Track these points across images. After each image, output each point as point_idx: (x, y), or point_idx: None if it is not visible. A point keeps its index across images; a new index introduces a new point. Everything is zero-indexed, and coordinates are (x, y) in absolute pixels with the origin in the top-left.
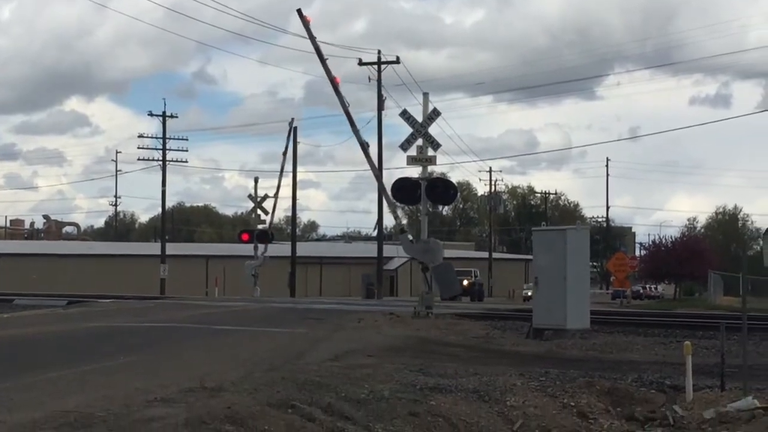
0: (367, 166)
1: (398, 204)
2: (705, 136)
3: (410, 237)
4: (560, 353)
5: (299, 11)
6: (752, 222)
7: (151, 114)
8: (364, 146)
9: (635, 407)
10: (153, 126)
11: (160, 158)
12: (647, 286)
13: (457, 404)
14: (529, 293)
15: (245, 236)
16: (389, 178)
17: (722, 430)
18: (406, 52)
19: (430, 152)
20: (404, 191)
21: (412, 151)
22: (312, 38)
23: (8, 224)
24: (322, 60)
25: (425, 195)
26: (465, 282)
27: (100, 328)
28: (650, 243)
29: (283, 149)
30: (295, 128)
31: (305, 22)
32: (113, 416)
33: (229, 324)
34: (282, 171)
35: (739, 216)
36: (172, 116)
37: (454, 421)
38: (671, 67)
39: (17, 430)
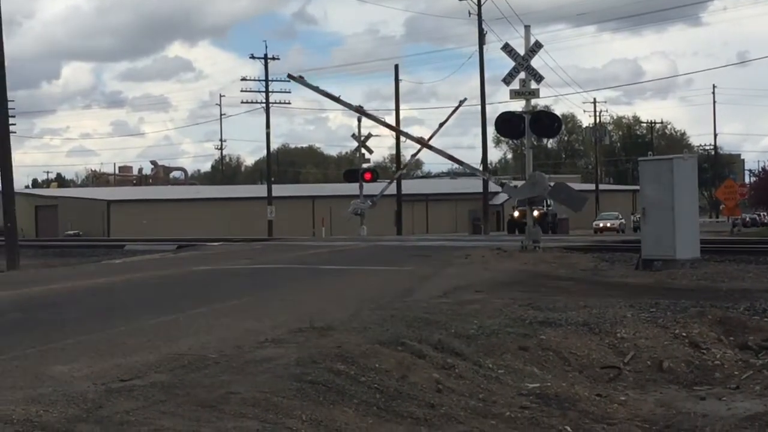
0: (474, 102)
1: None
2: None
3: (512, 183)
4: (670, 284)
5: (290, 75)
6: None
7: (252, 57)
8: (417, 138)
9: (748, 336)
10: (256, 69)
11: (263, 101)
12: (761, 213)
13: (567, 337)
14: (601, 224)
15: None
16: (492, 114)
17: None
18: None
19: (533, 85)
20: (508, 125)
21: (515, 85)
22: (315, 89)
23: (117, 171)
24: (336, 100)
25: (529, 128)
26: (535, 213)
27: (209, 272)
28: (760, 170)
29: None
30: (396, 66)
31: (300, 81)
32: (225, 357)
33: (336, 264)
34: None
35: None
36: (273, 58)
37: (564, 355)
38: None
39: (133, 372)
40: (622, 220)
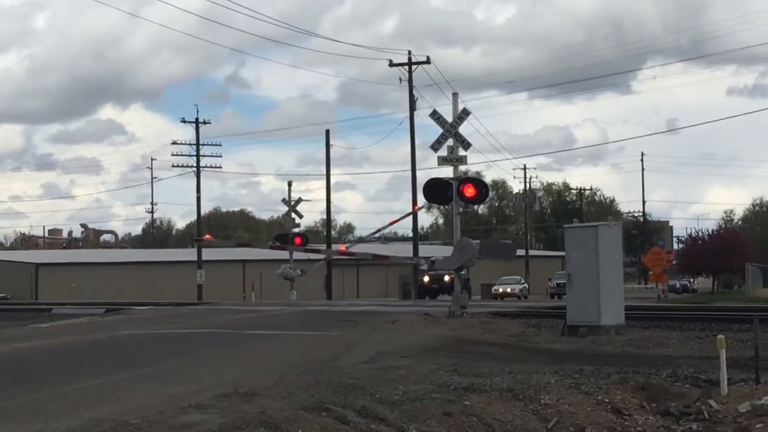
0: (405, 167)
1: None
2: (742, 127)
3: (441, 257)
4: (595, 350)
5: (196, 239)
6: None
7: (184, 121)
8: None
9: (670, 402)
10: (188, 132)
11: (194, 164)
12: (691, 279)
13: (492, 403)
14: (500, 290)
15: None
16: (424, 179)
17: (758, 423)
18: (438, 50)
19: (461, 152)
20: (436, 192)
21: (443, 152)
22: (225, 244)
23: (47, 234)
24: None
25: (456, 195)
26: (446, 278)
27: (136, 336)
28: (687, 237)
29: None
30: (327, 131)
31: (208, 243)
32: (147, 423)
33: (264, 328)
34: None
35: None
36: (204, 122)
37: (488, 421)
38: (706, 58)
39: None
40: (524, 285)
